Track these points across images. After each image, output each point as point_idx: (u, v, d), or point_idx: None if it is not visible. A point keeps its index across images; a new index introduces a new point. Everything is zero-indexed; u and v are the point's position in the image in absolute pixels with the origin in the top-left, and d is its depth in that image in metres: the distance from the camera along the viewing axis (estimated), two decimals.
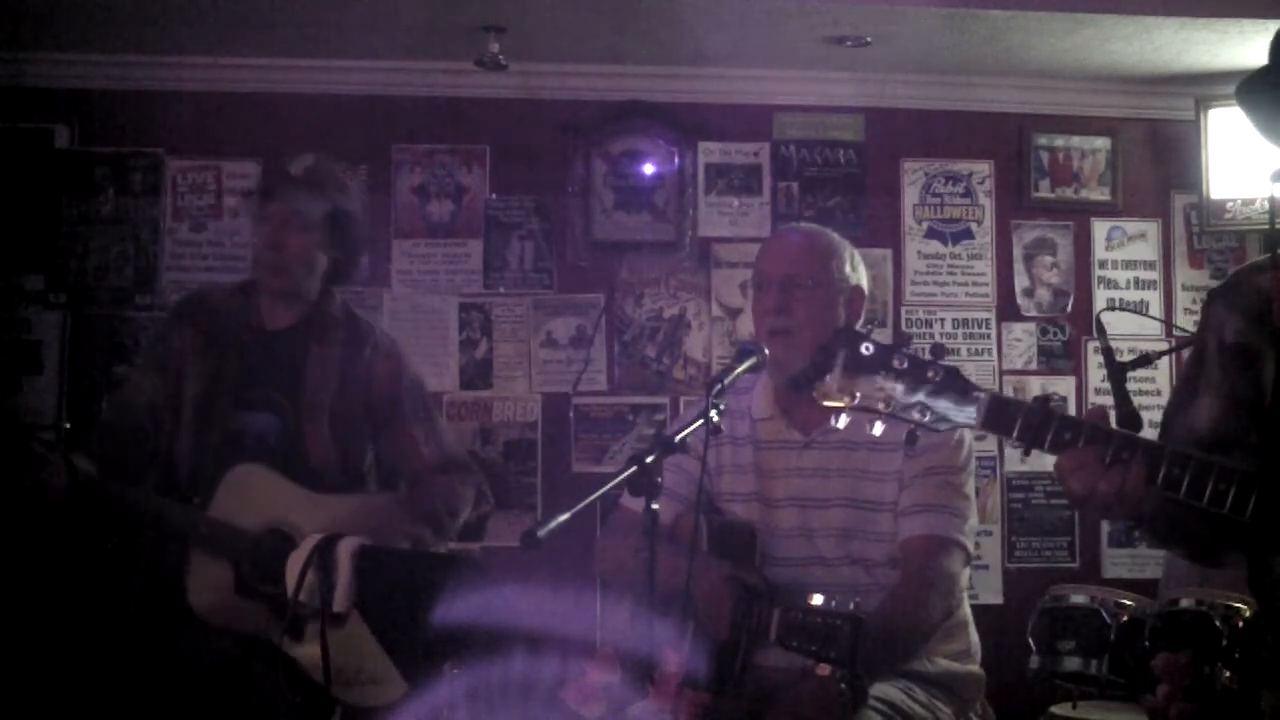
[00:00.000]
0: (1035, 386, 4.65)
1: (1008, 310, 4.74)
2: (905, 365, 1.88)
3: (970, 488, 2.85)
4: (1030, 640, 3.52)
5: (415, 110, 4.58)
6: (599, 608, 2.84)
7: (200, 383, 3.15)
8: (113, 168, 4.48)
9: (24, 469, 2.85)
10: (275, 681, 2.94)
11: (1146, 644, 3.24)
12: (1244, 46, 4.13)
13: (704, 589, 2.63)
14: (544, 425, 4.56)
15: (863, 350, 1.89)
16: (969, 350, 4.69)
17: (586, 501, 2.30)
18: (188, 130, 4.49)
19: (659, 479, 2.32)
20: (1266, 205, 4.19)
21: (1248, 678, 2.95)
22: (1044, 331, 4.74)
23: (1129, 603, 3.43)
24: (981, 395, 1.86)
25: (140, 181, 4.49)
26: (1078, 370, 4.74)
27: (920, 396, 1.87)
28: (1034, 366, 4.73)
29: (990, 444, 4.55)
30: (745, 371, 2.59)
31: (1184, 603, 3.22)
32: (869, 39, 4.21)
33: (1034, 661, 3.51)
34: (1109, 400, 3.64)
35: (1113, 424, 1.87)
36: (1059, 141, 4.78)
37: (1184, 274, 4.81)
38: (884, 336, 1.93)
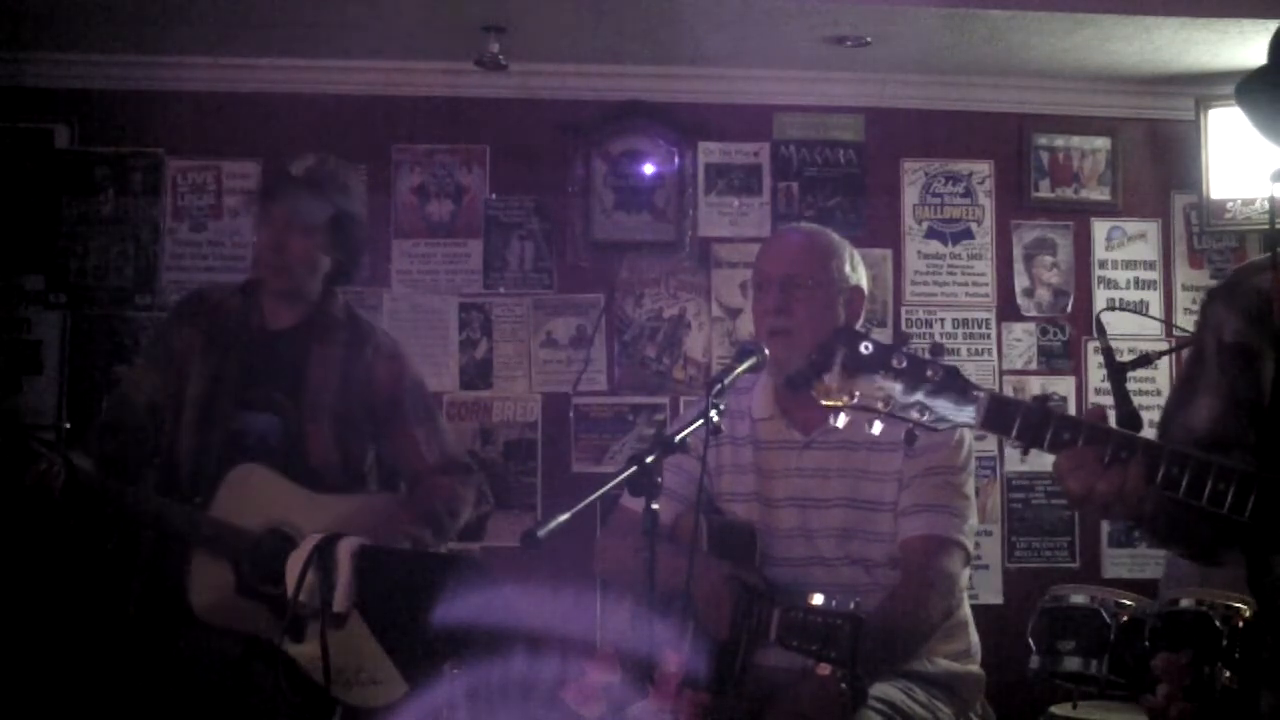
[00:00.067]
0: (1035, 386, 4.65)
1: (1008, 310, 4.74)
2: (904, 364, 1.88)
3: (970, 488, 2.85)
4: (1030, 640, 3.52)
5: (415, 110, 4.58)
6: (599, 608, 2.84)
7: (202, 382, 3.14)
8: (113, 168, 4.48)
9: (24, 468, 2.85)
10: (275, 681, 2.94)
11: (1146, 644, 3.24)
12: (1244, 46, 4.13)
13: (704, 589, 2.63)
14: (544, 425, 4.56)
15: (862, 349, 1.89)
16: (969, 350, 4.69)
17: (586, 501, 2.31)
18: (188, 130, 4.49)
19: (659, 479, 2.32)
20: (1266, 205, 4.18)
21: (1248, 678, 2.95)
22: (1044, 331, 4.74)
23: (1129, 603, 3.42)
24: (980, 394, 1.86)
25: (140, 181, 4.49)
26: (1078, 370, 4.74)
27: (919, 396, 1.87)
28: (1034, 366, 4.73)
29: (990, 444, 4.55)
30: (745, 371, 2.59)
31: (1184, 603, 3.22)
32: (869, 39, 4.21)
33: (1034, 661, 3.51)
34: (1109, 400, 3.63)
35: (1112, 424, 1.87)
36: (1059, 141, 4.78)
37: (1184, 274, 4.81)
38: (884, 336, 1.93)
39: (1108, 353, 3.57)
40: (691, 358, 4.62)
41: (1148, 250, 4.81)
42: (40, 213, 4.43)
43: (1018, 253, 4.75)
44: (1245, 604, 3.06)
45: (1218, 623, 3.08)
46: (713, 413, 2.42)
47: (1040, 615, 3.54)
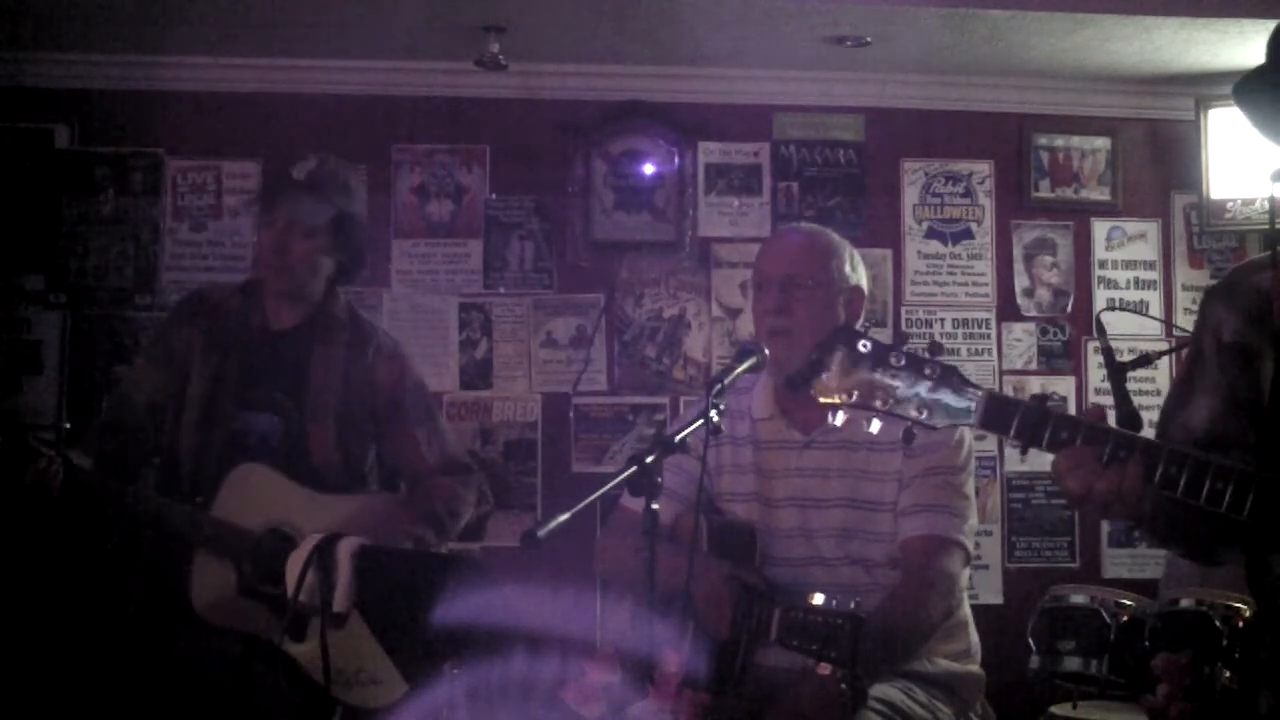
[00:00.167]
0: (1035, 386, 4.65)
1: (1008, 310, 4.74)
2: (903, 362, 1.88)
3: (970, 488, 2.85)
4: (1030, 640, 3.52)
5: (415, 110, 4.58)
6: (599, 608, 2.84)
7: (203, 382, 3.14)
8: (113, 168, 4.48)
9: (23, 468, 2.85)
10: (275, 681, 2.94)
11: (1146, 644, 3.24)
12: (1244, 46, 4.13)
13: (704, 589, 2.63)
14: (544, 425, 4.56)
15: (860, 348, 1.89)
16: (969, 350, 4.69)
17: (586, 501, 2.31)
18: (188, 130, 4.49)
19: (659, 479, 2.32)
20: (1266, 205, 4.18)
21: (1247, 678, 2.94)
22: (1044, 331, 4.74)
23: (1129, 603, 3.42)
24: (979, 393, 1.86)
25: (140, 181, 4.49)
26: (1078, 370, 4.74)
27: (918, 394, 1.87)
28: (1034, 366, 4.73)
29: (990, 444, 4.55)
30: (745, 371, 2.59)
31: (1184, 603, 3.22)
32: (869, 39, 4.21)
33: (1034, 661, 3.51)
34: (1109, 400, 3.63)
35: (1112, 424, 1.87)
36: (1059, 141, 4.78)
37: (1184, 274, 4.81)
38: (884, 336, 1.93)
39: (1108, 353, 3.56)
40: (691, 358, 4.62)
41: (1148, 250, 4.81)
42: (40, 213, 4.43)
43: (1018, 253, 4.75)
44: (1245, 604, 3.05)
45: (1218, 623, 3.08)
46: (713, 413, 2.42)
47: (1040, 615, 3.54)
